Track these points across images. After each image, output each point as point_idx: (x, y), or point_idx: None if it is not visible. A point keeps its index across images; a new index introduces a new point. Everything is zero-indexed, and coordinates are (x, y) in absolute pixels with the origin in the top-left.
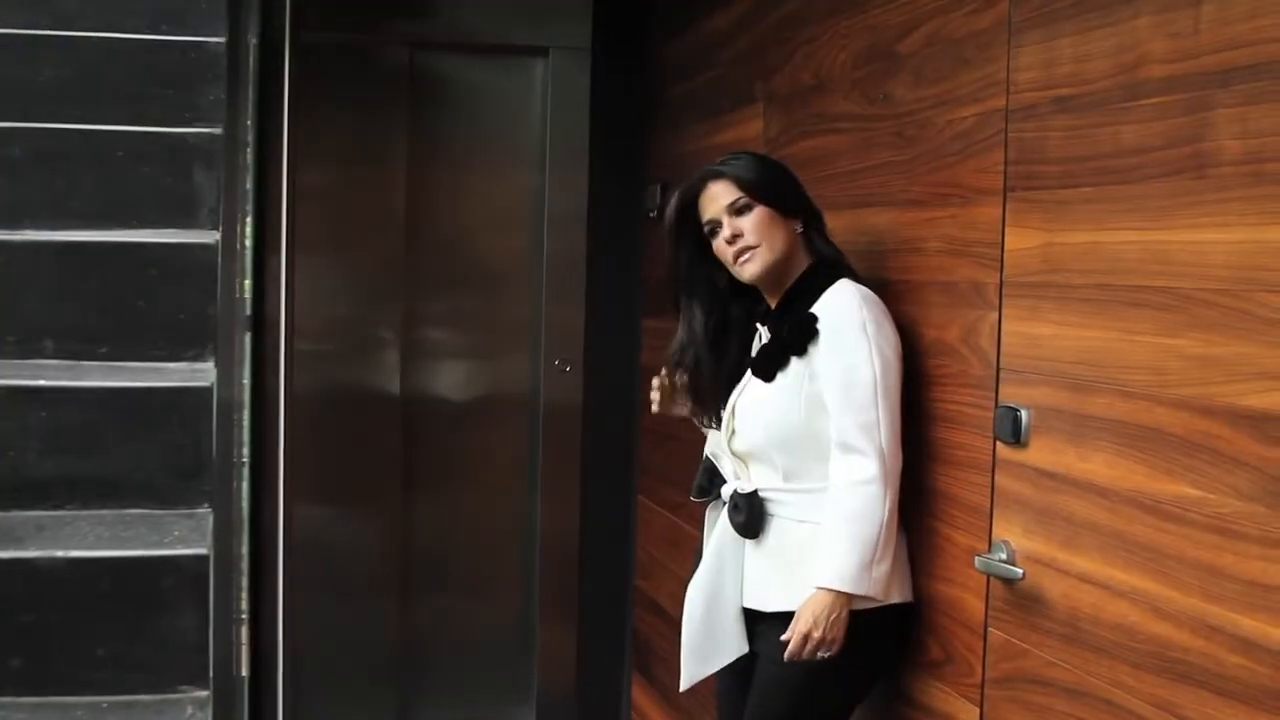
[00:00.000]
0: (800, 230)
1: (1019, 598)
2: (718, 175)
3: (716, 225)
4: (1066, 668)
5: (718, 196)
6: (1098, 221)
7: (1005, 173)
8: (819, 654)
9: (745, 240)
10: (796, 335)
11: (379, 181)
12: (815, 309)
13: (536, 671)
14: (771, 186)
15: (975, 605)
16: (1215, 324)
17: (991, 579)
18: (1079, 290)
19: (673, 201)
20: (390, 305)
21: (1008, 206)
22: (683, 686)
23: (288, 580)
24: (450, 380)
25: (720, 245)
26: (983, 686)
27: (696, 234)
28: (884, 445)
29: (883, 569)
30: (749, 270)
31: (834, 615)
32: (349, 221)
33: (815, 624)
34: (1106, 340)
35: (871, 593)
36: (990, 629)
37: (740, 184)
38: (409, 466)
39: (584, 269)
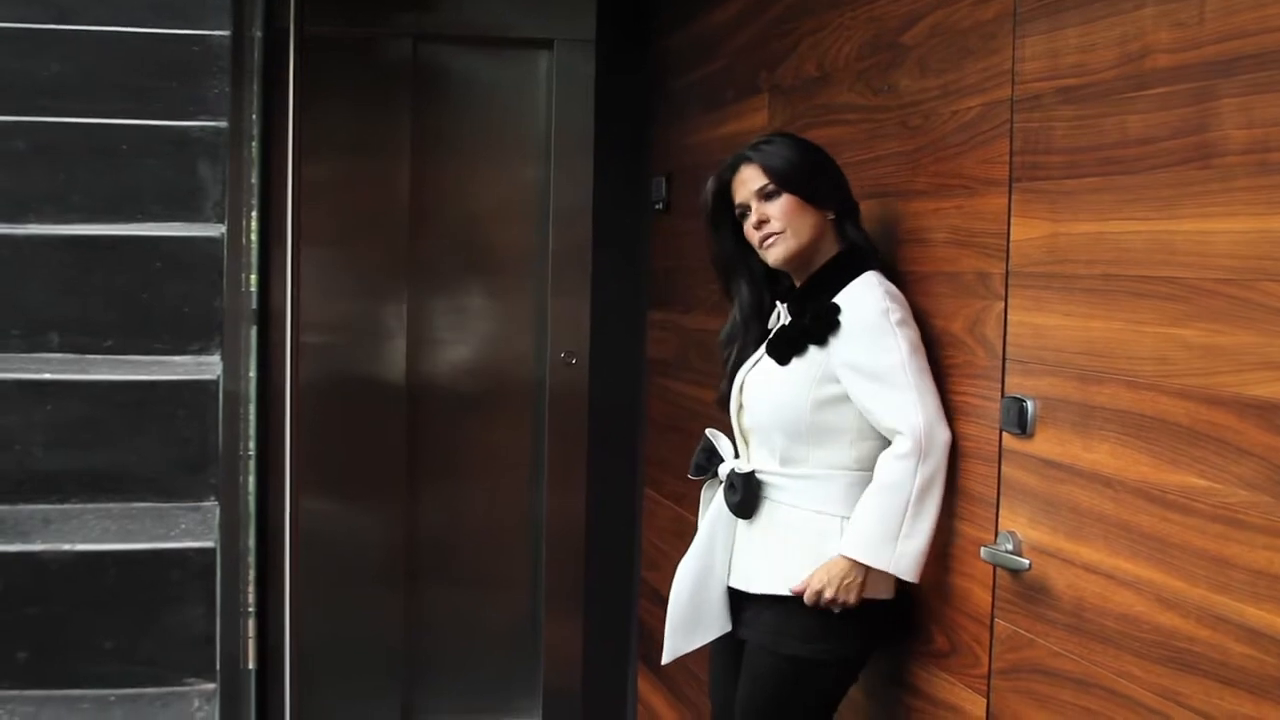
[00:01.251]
0: (832, 218)
1: (1025, 588)
2: (748, 160)
3: (746, 209)
4: (1072, 658)
5: (748, 181)
6: (1103, 212)
7: (1010, 163)
8: (833, 608)
9: (771, 226)
10: (817, 324)
11: (384, 174)
12: (839, 299)
13: (542, 663)
14: (801, 174)
15: (982, 596)
16: (1221, 314)
17: (998, 570)
18: (1084, 280)
19: (709, 184)
20: (395, 297)
21: (1013, 197)
22: (664, 660)
23: (294, 573)
24: (457, 372)
25: (749, 229)
26: (989, 677)
27: (733, 217)
28: (921, 421)
29: (910, 546)
30: (773, 254)
31: (848, 580)
32: (354, 214)
33: (828, 584)
34: (1112, 330)
35: (890, 569)
36: (996, 619)
37: (768, 171)
38: (415, 458)
39: (589, 261)
